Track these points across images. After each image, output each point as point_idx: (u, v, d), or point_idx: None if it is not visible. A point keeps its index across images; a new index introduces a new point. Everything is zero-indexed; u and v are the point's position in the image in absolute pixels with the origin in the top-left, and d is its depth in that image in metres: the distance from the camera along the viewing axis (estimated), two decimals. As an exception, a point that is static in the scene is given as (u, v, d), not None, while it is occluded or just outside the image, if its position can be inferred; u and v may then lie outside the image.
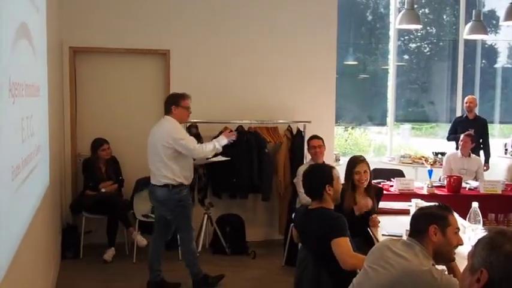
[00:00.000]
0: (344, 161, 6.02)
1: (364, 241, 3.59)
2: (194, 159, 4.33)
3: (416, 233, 2.29)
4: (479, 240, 1.56)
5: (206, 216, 5.10)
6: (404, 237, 2.73)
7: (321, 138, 4.76)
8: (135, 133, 5.56)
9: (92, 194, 5.10)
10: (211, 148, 4.18)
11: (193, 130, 5.29)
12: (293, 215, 4.04)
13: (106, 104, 5.52)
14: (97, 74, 5.50)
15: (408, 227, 2.41)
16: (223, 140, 4.29)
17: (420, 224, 2.30)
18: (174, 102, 4.16)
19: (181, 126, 4.28)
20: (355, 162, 3.77)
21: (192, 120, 5.32)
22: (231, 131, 4.55)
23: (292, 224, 3.74)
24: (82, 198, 5.14)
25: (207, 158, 4.48)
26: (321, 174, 2.97)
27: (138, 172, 5.41)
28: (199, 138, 5.32)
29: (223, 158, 4.71)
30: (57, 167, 4.76)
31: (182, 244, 4.33)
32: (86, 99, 5.48)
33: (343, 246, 2.78)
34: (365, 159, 3.85)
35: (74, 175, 5.43)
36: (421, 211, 2.38)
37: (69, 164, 5.39)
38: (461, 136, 5.79)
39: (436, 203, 2.41)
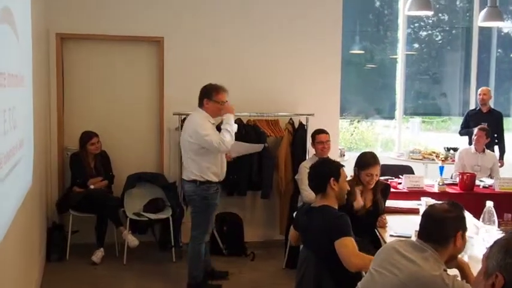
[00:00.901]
0: (349, 156, 6.01)
1: (370, 241, 3.59)
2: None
3: (439, 238, 2.22)
4: (494, 242, 1.54)
5: (202, 215, 5.07)
6: (413, 238, 2.71)
7: (328, 133, 4.77)
8: (126, 126, 5.56)
9: (80, 191, 5.08)
10: (228, 137, 4.07)
11: (188, 123, 5.27)
12: (294, 214, 4.02)
13: (96, 95, 5.49)
14: (86, 63, 5.46)
15: (417, 228, 2.38)
16: (229, 118, 4.14)
17: (448, 229, 2.23)
18: (206, 95, 4.18)
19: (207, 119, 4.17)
20: (368, 163, 3.73)
21: (188, 112, 5.29)
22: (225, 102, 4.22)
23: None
24: (69, 195, 5.12)
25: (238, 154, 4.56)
26: (328, 166, 3.07)
27: (129, 168, 5.41)
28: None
29: (259, 147, 4.58)
30: (43, 162, 4.74)
31: (192, 242, 4.31)
32: (74, 89, 5.45)
33: (347, 246, 2.79)
34: (378, 160, 3.79)
35: (61, 171, 5.41)
36: (446, 213, 2.25)
37: (55, 158, 5.36)
38: (475, 130, 5.77)
39: (448, 201, 2.36)
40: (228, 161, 4.46)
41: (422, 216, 2.35)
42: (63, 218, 5.25)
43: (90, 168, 5.18)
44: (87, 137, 5.14)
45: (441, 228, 2.24)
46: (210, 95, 4.17)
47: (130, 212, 5.09)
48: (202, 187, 4.15)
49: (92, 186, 5.11)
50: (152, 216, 5.08)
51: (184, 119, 5.28)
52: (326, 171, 3.01)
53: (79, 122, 5.39)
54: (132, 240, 4.92)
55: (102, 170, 5.24)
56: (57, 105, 5.34)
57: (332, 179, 2.97)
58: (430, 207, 2.38)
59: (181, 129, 5.24)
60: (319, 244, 2.91)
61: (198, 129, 4.06)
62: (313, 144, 4.79)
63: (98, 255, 4.94)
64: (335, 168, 3.04)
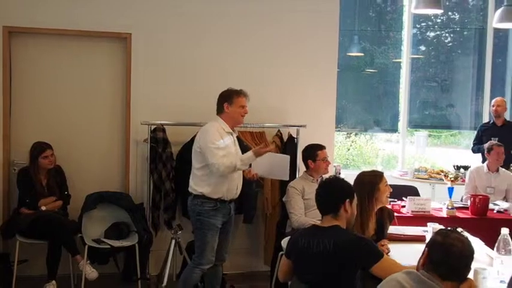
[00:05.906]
0: (346, 174, 6.09)
1: (369, 274, 3.65)
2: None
3: (458, 275, 2.31)
4: None
5: (174, 241, 5.09)
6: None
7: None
8: (85, 136, 5.58)
9: (29, 213, 5.07)
10: (228, 166, 4.21)
11: (159, 134, 5.32)
12: (282, 242, 4.07)
13: (50, 99, 5.52)
14: (39, 62, 5.49)
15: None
16: (249, 158, 4.30)
17: (470, 263, 2.33)
18: (226, 99, 4.45)
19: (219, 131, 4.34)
20: (380, 175, 3.89)
21: (159, 122, 5.35)
22: (266, 145, 4.57)
23: (282, 253, 3.77)
24: (16, 218, 5.10)
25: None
26: (344, 186, 3.23)
27: (88, 186, 5.42)
28: (166, 144, 5.35)
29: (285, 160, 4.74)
30: (-14, 178, 4.74)
31: (188, 265, 4.57)
32: (24, 93, 5.46)
33: (392, 265, 3.04)
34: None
35: (6, 189, 5.41)
36: (468, 247, 2.32)
37: (0, 174, 5.36)
38: (493, 147, 5.82)
39: (452, 228, 2.42)
40: (250, 178, 4.59)
41: (436, 247, 2.37)
42: (8, 246, 5.24)
43: (42, 187, 5.18)
44: (39, 149, 5.15)
45: (463, 262, 2.32)
46: (230, 98, 4.45)
47: (89, 239, 5.09)
48: (195, 201, 4.38)
49: (43, 208, 5.10)
50: (115, 243, 5.08)
51: (155, 129, 5.35)
52: (342, 191, 3.18)
53: (29, 131, 5.41)
54: (90, 271, 4.91)
55: (55, 189, 5.24)
56: (3, 111, 5.35)
57: (348, 201, 3.15)
58: (446, 237, 2.36)
59: (151, 141, 5.32)
60: (330, 270, 2.99)
61: (206, 136, 4.29)
62: (312, 161, 4.88)
63: (50, 289, 4.93)
64: (351, 189, 3.23)
